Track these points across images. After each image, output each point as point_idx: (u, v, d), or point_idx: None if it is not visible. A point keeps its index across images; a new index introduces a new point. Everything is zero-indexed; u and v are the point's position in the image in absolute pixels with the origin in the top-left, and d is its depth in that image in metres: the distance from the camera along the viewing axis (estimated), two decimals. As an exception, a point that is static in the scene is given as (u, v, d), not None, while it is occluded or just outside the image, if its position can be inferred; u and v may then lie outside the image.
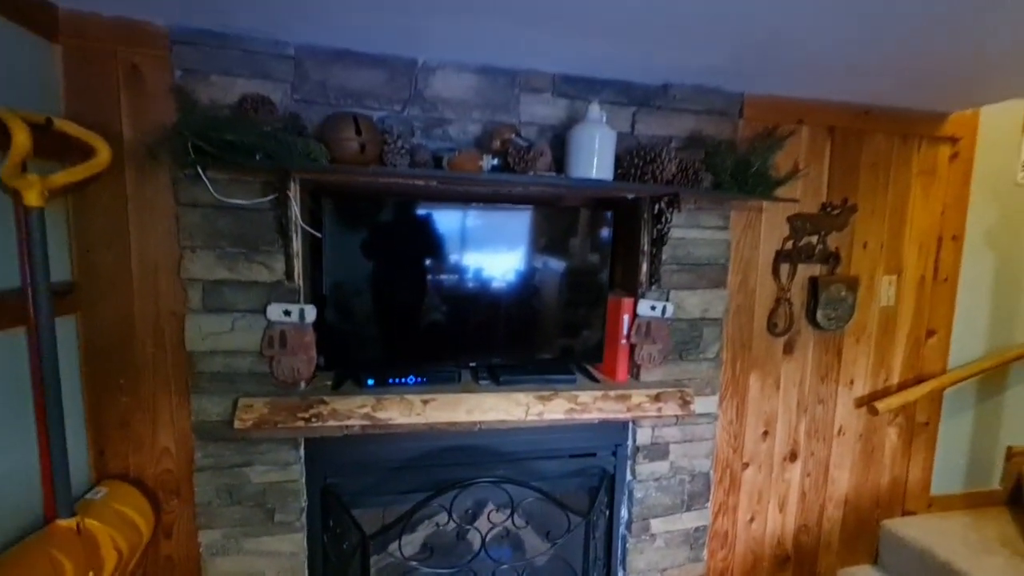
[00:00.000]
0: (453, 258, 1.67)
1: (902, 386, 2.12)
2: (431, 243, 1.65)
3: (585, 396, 1.68)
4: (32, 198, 1.15)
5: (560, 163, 1.58)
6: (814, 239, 1.94)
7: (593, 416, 1.68)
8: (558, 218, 1.76)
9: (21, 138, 1.05)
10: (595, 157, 1.50)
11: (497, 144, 1.48)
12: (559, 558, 1.86)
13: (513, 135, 1.48)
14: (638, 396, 1.72)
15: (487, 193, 1.67)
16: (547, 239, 1.74)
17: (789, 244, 1.92)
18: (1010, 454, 2.34)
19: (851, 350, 2.06)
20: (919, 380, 2.13)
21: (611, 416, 1.70)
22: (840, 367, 2.06)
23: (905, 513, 2.24)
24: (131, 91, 1.41)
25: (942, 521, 2.20)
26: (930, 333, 2.15)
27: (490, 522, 1.69)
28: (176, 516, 1.58)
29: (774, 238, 1.92)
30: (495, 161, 1.48)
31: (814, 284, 1.95)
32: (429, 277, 1.67)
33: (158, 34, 1.39)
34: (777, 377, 2.00)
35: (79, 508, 1.30)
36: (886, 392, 2.10)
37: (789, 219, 1.91)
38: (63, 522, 1.24)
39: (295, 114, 1.44)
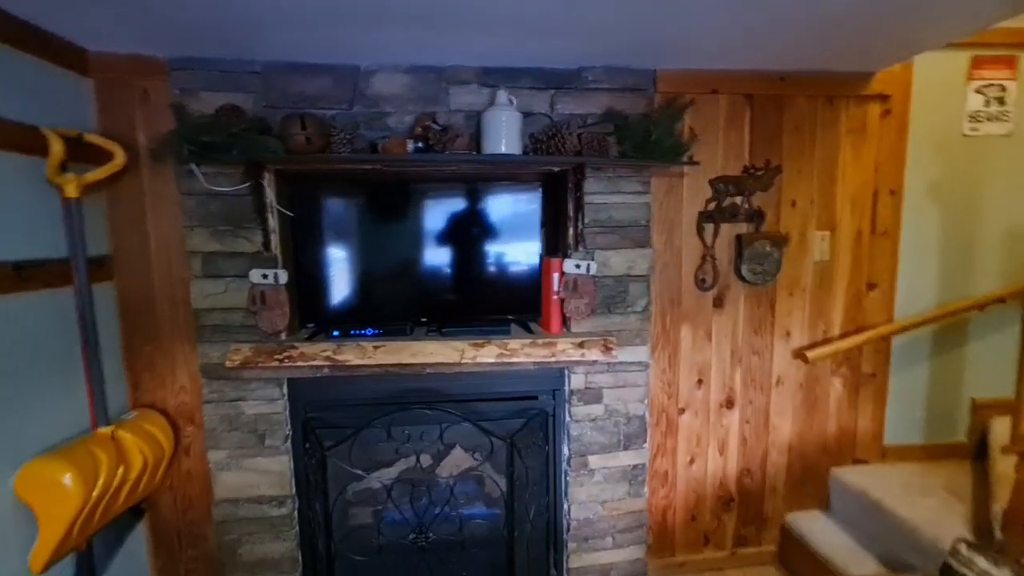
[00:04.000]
0: (403, 229, 2.00)
1: (844, 338, 2.21)
2: (383, 218, 1.99)
3: (514, 344, 1.95)
4: (71, 191, 1.59)
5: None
6: (738, 199, 2.09)
7: (520, 360, 1.94)
8: (496, 190, 2.03)
9: (56, 147, 1.49)
10: (503, 136, 1.77)
11: (419, 130, 1.78)
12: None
13: (430, 122, 1.77)
14: (563, 343, 1.97)
15: (422, 171, 1.98)
16: (488, 210, 2.02)
17: (712, 205, 2.09)
18: (975, 407, 2.35)
19: (785, 303, 2.18)
20: (861, 332, 2.21)
21: (538, 360, 1.96)
22: (775, 319, 2.19)
23: (856, 461, 2.32)
24: (143, 109, 1.84)
25: (892, 469, 2.26)
26: (871, 286, 2.22)
27: (433, 443, 2.02)
28: (192, 439, 2.01)
29: (697, 200, 2.09)
30: (419, 144, 1.78)
31: (739, 241, 2.10)
32: (383, 246, 2.00)
33: (160, 64, 1.81)
34: (708, 329, 2.17)
35: (116, 423, 1.75)
36: (826, 344, 2.20)
37: (711, 182, 2.08)
38: (101, 430, 1.69)
39: (261, 117, 1.81)
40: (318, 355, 1.88)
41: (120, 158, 1.69)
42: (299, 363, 1.87)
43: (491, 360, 1.93)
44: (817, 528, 2.21)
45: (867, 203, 2.17)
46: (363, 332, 1.99)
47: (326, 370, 1.97)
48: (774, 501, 2.32)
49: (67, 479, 1.48)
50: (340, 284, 2.02)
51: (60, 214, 1.64)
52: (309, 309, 2.01)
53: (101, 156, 1.71)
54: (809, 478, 2.32)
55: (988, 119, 2.19)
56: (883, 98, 2.10)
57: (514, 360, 1.94)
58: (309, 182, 1.96)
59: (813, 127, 2.10)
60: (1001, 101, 2.18)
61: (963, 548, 1.41)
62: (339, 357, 1.88)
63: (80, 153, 1.66)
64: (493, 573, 1.94)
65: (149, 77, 1.83)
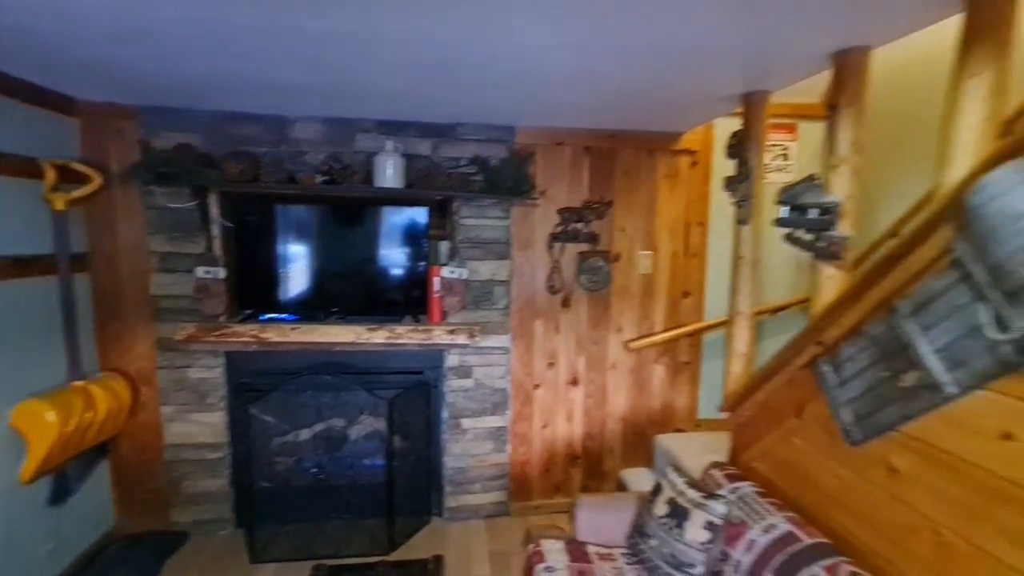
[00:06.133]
0: (323, 239, 2.60)
1: (658, 334, 2.87)
2: (306, 230, 2.60)
3: (400, 329, 2.57)
4: (59, 205, 2.17)
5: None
6: (580, 225, 2.74)
7: (404, 342, 2.55)
8: (395, 212, 2.65)
9: (50, 174, 2.07)
10: (387, 174, 2.39)
11: (325, 168, 2.39)
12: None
13: (333, 162, 2.39)
14: (438, 330, 2.59)
15: (332, 196, 2.59)
16: (389, 226, 2.64)
17: (559, 229, 2.73)
18: (770, 391, 3.03)
19: (618, 305, 2.84)
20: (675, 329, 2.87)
21: (418, 342, 2.57)
22: (610, 318, 2.84)
23: (677, 431, 2.99)
24: (117, 143, 2.42)
25: (702, 436, 2.92)
26: (686, 294, 2.89)
27: (329, 403, 2.61)
28: (147, 397, 2.58)
29: (548, 224, 2.73)
30: (326, 178, 2.40)
31: (579, 257, 2.75)
32: (306, 252, 2.61)
33: (132, 110, 2.39)
34: (557, 324, 2.81)
35: (87, 380, 2.31)
36: (645, 337, 2.86)
37: (559, 211, 2.72)
38: (75, 383, 2.26)
39: (207, 153, 2.41)
40: (246, 333, 2.47)
41: (96, 181, 2.27)
42: (231, 339, 2.46)
43: (381, 341, 2.54)
44: (638, 479, 2.86)
45: (680, 231, 2.84)
46: (284, 317, 2.59)
47: (254, 345, 2.55)
48: (612, 459, 2.97)
49: (49, 415, 2.05)
50: (270, 279, 2.61)
51: (51, 221, 2.21)
52: (246, 297, 2.61)
53: (83, 178, 2.29)
54: (640, 443, 2.97)
55: (776, 169, 2.87)
56: (691, 152, 2.78)
57: (400, 342, 2.56)
58: (247, 201, 2.56)
59: (638, 172, 2.76)
60: (785, 156, 2.87)
61: (669, 470, 2.05)
62: (263, 336, 2.48)
63: (67, 176, 2.23)
64: (374, 504, 2.54)
65: (123, 119, 2.41)
